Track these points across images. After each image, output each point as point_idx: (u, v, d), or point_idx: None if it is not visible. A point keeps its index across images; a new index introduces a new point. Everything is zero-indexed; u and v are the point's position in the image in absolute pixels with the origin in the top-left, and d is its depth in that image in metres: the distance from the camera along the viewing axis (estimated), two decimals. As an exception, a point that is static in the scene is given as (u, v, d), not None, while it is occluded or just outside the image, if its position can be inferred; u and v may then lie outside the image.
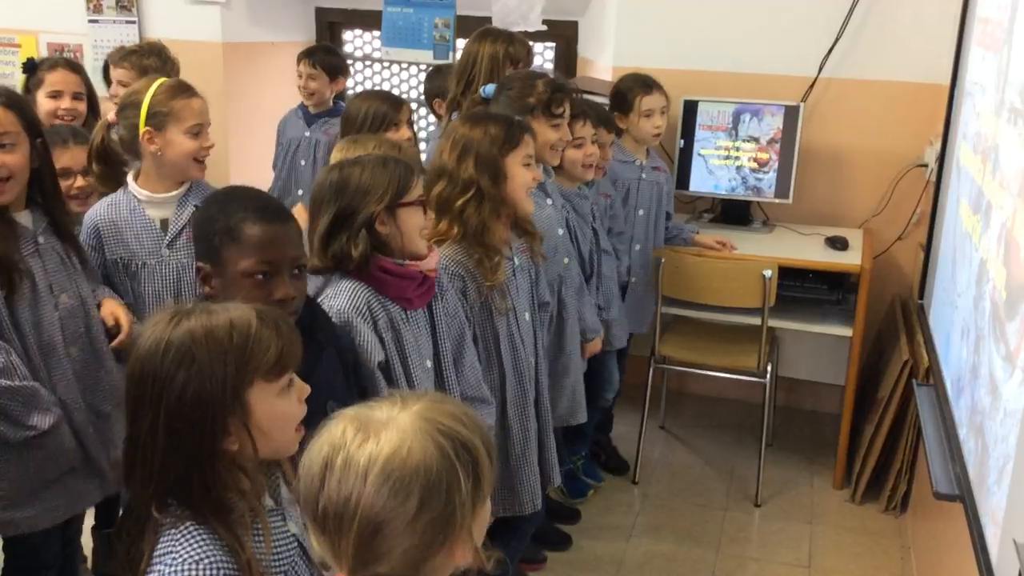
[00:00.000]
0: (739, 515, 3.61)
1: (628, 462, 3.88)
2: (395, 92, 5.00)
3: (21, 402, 2.14)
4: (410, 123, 3.24)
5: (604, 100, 3.66)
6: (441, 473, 1.11)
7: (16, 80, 4.79)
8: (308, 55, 4.19)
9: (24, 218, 2.24)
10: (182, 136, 2.52)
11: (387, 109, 3.10)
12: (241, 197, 1.95)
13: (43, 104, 3.15)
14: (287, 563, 1.49)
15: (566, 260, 3.01)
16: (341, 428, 1.15)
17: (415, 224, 2.16)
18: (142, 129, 2.52)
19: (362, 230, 2.08)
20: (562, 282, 2.96)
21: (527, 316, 2.67)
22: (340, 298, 2.11)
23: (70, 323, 2.29)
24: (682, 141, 4.03)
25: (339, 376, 2.01)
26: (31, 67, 3.23)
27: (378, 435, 1.12)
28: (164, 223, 2.56)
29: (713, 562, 3.32)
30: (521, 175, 2.53)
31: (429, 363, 2.27)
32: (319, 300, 2.12)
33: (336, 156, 2.71)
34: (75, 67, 3.28)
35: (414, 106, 4.99)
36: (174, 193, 2.57)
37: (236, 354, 1.37)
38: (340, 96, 4.37)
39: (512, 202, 2.53)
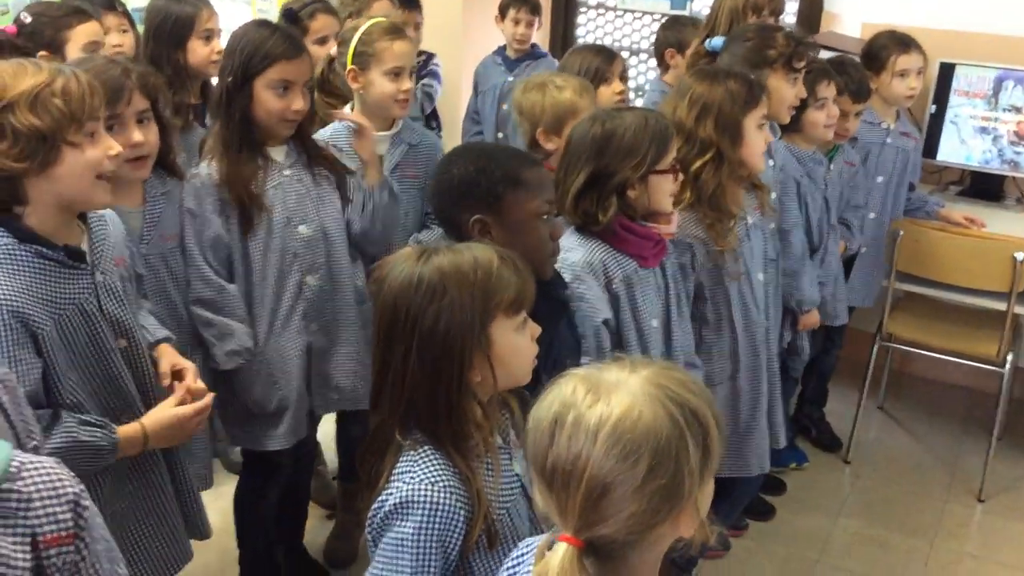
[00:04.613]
0: (959, 508, 3.40)
1: (841, 440, 3.72)
2: (626, 41, 4.95)
3: (215, 336, 2.29)
4: (623, 77, 3.18)
5: (854, 57, 3.45)
6: (671, 440, 1.08)
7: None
8: (522, 1, 4.18)
9: (279, 153, 2.38)
10: (382, 77, 2.57)
11: (599, 63, 3.06)
12: (497, 148, 2.05)
13: (312, 52, 3.23)
14: (510, 501, 1.52)
15: (772, 225, 2.89)
16: (572, 387, 1.13)
17: (665, 190, 2.13)
18: (348, 67, 2.60)
19: (613, 194, 2.08)
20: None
21: (760, 276, 2.59)
22: (575, 253, 2.11)
23: (308, 253, 2.39)
24: (934, 106, 3.76)
25: (571, 334, 2.03)
26: (292, 16, 3.25)
27: (609, 396, 1.10)
28: (379, 159, 2.63)
29: (927, 554, 3.15)
30: (756, 137, 2.44)
31: (655, 322, 2.24)
32: None
33: (517, 95, 2.70)
34: (332, 10, 3.38)
35: (644, 56, 4.92)
36: (387, 133, 2.66)
37: (481, 288, 1.43)
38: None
39: (747, 164, 2.45)
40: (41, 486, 1.03)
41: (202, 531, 2.11)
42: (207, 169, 2.30)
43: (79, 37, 2.69)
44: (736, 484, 2.58)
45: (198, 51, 2.93)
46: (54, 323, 1.70)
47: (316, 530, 2.99)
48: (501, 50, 4.30)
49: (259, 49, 2.26)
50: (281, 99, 2.28)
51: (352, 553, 2.95)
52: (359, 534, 2.98)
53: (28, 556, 0.99)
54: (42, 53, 2.54)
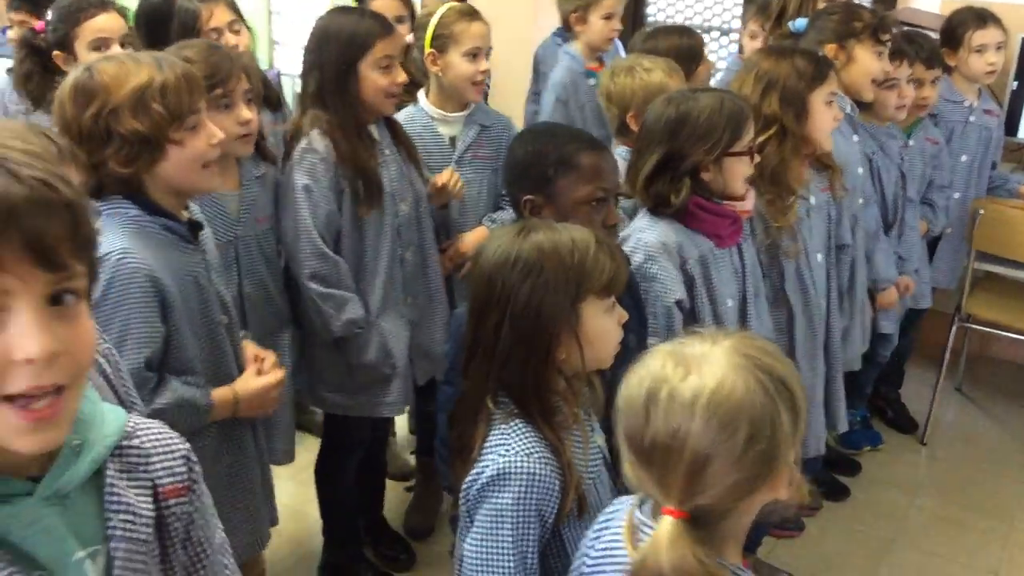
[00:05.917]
0: (1039, 490, 3.36)
1: (917, 421, 3.68)
2: (698, 19, 4.92)
3: (333, 307, 2.37)
4: None
5: (932, 36, 3.40)
6: (765, 407, 1.11)
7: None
8: None
9: (374, 131, 2.45)
10: (460, 59, 2.63)
11: (693, 42, 3.07)
12: (563, 131, 2.04)
13: None
14: (595, 471, 1.56)
15: (860, 201, 2.87)
16: (660, 362, 1.16)
17: (740, 173, 2.12)
18: (427, 50, 2.66)
19: (686, 176, 2.07)
20: (855, 223, 2.83)
21: (819, 257, 2.59)
22: (651, 232, 2.11)
23: (407, 229, 2.49)
24: (1015, 83, 3.68)
25: (633, 310, 2.04)
26: None
27: (699, 369, 1.13)
28: (452, 140, 2.72)
29: (1006, 535, 3.11)
30: (824, 113, 2.43)
31: (731, 302, 2.23)
32: (628, 229, 2.15)
33: (605, 81, 2.71)
34: None
35: (716, 34, 4.89)
36: (461, 113, 2.72)
37: (577, 269, 1.47)
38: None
39: (813, 141, 2.45)
40: (156, 443, 1.09)
41: (273, 518, 2.16)
42: (323, 148, 2.35)
43: (87, 33, 2.53)
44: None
45: None
46: (178, 292, 1.78)
47: (392, 502, 3.06)
48: (560, 31, 4.29)
49: (356, 34, 2.34)
50: (387, 75, 2.36)
51: (430, 525, 3.01)
52: (437, 506, 3.05)
53: (151, 506, 1.05)
54: (56, 53, 2.55)
